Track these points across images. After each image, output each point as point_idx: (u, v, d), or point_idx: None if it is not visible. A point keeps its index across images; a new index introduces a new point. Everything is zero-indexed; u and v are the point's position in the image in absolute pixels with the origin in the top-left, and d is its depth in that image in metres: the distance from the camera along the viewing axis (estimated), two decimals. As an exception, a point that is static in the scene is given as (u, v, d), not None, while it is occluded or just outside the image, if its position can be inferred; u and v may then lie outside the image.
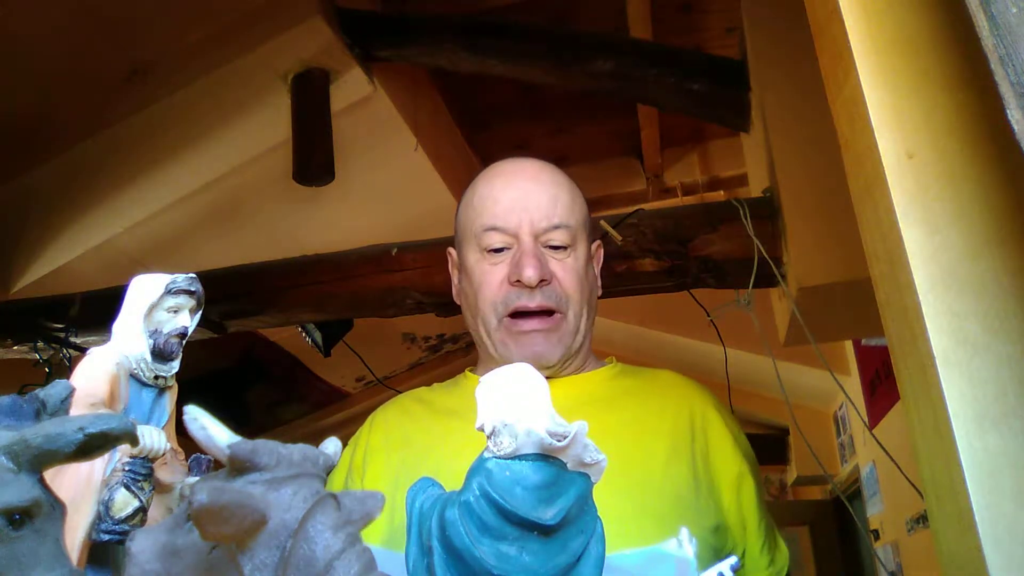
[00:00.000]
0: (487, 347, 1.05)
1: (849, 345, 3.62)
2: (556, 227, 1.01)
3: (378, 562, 0.42)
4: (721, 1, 2.54)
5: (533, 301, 0.99)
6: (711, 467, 0.99)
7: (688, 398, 1.06)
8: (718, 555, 0.96)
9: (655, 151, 3.17)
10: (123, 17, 1.99)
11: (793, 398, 1.98)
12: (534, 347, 1.00)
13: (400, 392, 1.18)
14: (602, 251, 1.16)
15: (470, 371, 1.13)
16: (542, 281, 0.99)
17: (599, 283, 1.13)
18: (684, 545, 0.59)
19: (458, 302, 1.12)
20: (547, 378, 1.01)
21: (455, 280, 1.13)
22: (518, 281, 0.99)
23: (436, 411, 1.07)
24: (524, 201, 1.01)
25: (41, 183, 2.40)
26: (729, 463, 1.01)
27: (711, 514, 0.95)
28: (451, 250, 1.14)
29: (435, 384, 1.15)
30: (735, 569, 0.63)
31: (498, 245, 1.01)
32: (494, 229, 1.01)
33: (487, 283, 1.02)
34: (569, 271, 1.02)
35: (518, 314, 1.00)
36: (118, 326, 0.63)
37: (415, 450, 1.01)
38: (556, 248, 1.02)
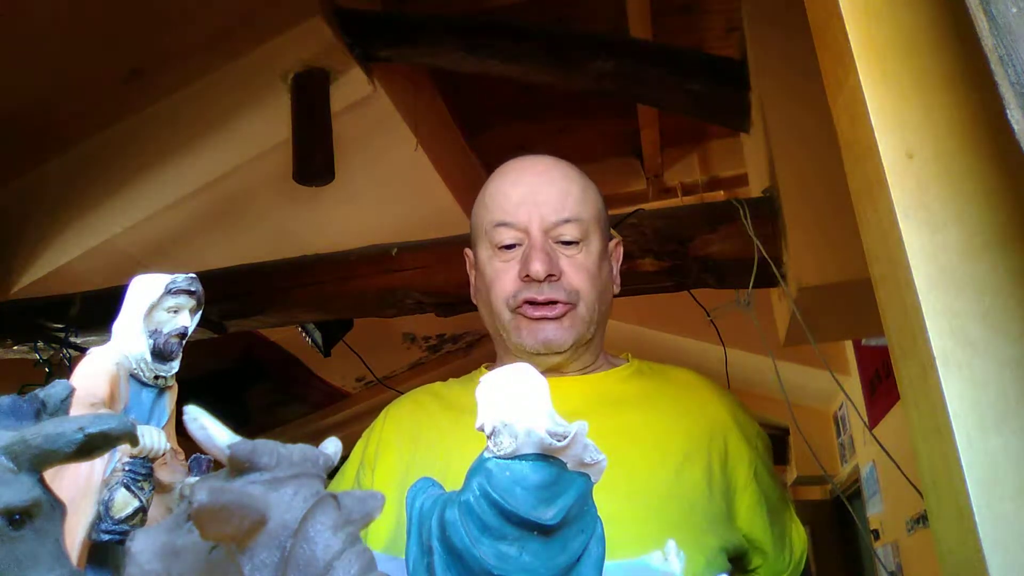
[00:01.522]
0: (503, 341, 1.05)
1: (849, 345, 3.62)
2: (566, 221, 1.00)
3: (384, 568, 0.42)
4: (721, 1, 2.53)
5: (542, 295, 0.99)
6: (728, 472, 0.99)
7: (706, 401, 1.06)
8: (729, 558, 0.96)
9: (655, 151, 3.17)
10: (123, 17, 1.99)
11: (793, 398, 1.97)
12: (546, 332, 0.99)
13: (400, 392, 1.18)
14: (621, 249, 1.14)
15: (486, 367, 1.13)
16: (550, 276, 0.98)
17: (617, 281, 1.11)
18: (670, 558, 0.57)
19: (475, 301, 1.12)
20: (559, 374, 1.02)
21: (472, 280, 1.13)
22: (528, 276, 0.98)
23: (449, 407, 1.07)
24: (534, 196, 1.01)
25: (41, 183, 2.40)
26: (743, 469, 1.01)
27: (724, 519, 0.95)
28: (467, 251, 1.14)
29: (451, 379, 1.15)
30: None
31: (509, 241, 1.01)
32: (504, 225, 1.01)
33: (499, 280, 1.02)
34: (579, 267, 1.01)
35: (529, 303, 1.00)
36: (118, 326, 0.63)
37: (425, 446, 1.02)
38: (567, 244, 1.01)
